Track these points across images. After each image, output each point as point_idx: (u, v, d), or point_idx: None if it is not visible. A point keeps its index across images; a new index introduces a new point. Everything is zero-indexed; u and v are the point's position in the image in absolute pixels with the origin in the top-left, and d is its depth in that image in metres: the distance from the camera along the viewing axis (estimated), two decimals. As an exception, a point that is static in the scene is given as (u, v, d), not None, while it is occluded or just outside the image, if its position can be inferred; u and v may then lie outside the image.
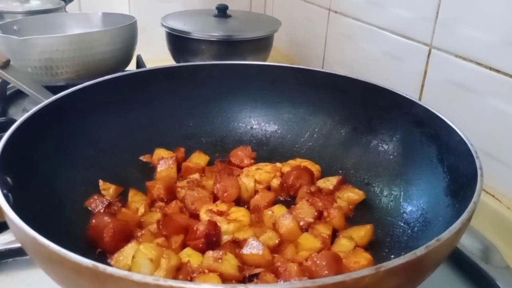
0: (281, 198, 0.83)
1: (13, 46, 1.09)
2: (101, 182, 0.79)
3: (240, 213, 0.73)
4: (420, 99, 0.98)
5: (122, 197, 0.79)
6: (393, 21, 1.08)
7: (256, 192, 0.81)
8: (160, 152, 0.88)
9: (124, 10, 1.68)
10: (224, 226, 0.70)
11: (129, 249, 0.64)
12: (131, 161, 0.87)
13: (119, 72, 0.91)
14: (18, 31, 1.29)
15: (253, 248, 0.65)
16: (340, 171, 0.86)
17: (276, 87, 0.95)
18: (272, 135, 0.96)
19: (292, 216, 0.72)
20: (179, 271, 0.61)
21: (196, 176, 0.84)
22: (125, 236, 0.67)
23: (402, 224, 0.73)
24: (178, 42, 1.30)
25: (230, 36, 1.25)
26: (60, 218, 0.67)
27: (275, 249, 0.68)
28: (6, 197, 0.52)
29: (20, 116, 0.69)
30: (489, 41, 0.83)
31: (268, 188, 0.83)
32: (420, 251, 0.45)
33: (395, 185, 0.79)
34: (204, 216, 0.73)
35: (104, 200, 0.75)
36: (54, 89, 0.93)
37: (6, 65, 1.00)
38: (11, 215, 0.49)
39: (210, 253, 0.63)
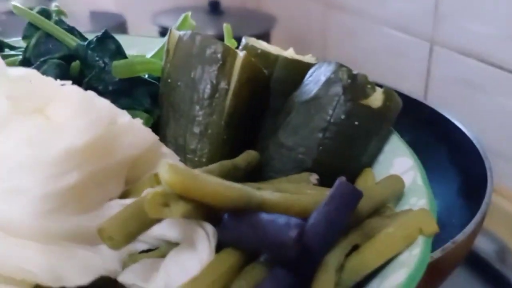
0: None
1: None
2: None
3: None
4: (425, 98, 0.97)
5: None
6: (394, 16, 1.06)
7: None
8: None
9: (110, 6, 1.59)
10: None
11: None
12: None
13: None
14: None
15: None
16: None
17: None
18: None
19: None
20: None
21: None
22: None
23: (416, 228, 0.72)
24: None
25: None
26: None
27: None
28: None
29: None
30: (494, 36, 0.82)
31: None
32: (436, 254, 0.45)
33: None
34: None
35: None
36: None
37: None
38: None
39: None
